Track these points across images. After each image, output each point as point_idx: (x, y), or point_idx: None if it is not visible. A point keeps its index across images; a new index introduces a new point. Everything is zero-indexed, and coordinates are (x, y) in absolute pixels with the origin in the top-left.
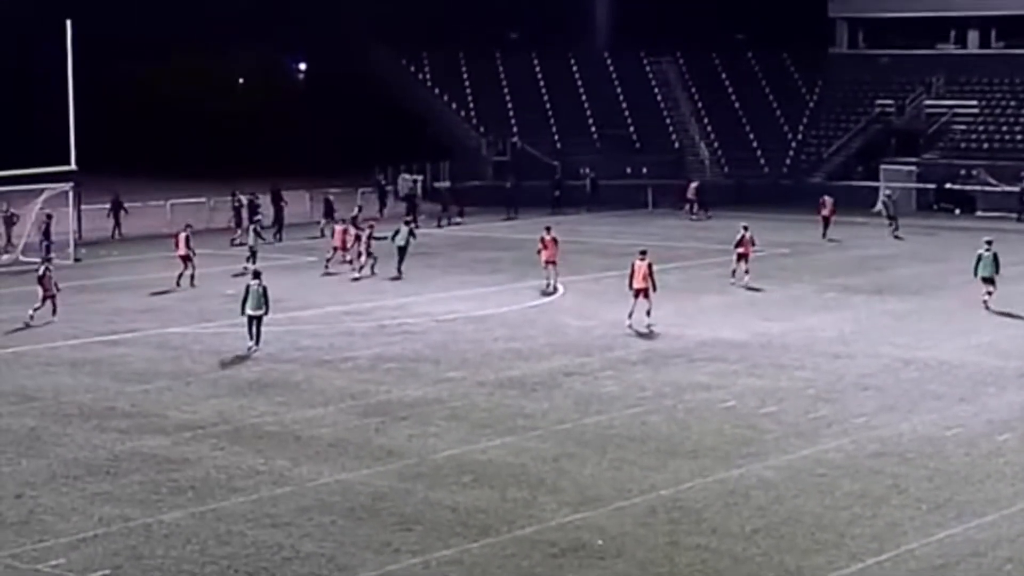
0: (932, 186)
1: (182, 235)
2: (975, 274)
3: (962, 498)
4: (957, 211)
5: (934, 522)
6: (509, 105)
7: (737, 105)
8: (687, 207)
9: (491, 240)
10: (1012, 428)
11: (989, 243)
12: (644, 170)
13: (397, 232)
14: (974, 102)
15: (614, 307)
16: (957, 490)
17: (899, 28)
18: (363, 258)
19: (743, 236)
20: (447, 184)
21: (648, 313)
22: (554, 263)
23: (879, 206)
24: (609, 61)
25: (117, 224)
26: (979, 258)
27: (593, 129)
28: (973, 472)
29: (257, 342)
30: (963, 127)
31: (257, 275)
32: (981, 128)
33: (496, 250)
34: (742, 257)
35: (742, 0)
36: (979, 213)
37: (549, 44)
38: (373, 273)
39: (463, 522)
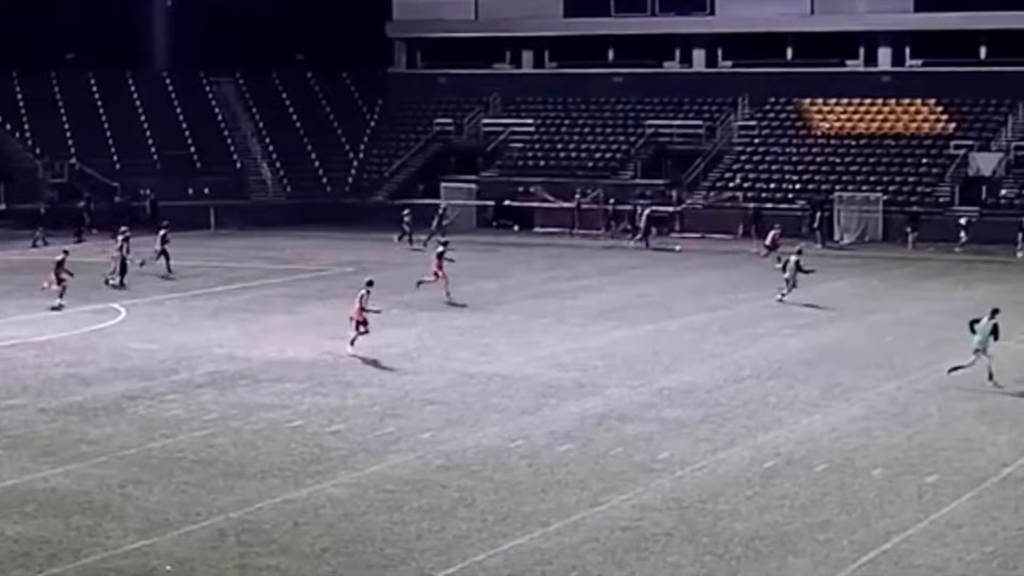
0: (491, 203)
1: None
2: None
3: (527, 509)
4: (516, 228)
5: (500, 533)
6: (66, 126)
7: (299, 125)
8: (406, 237)
9: (49, 264)
10: (572, 438)
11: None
12: (206, 190)
13: None
14: (530, 121)
15: (177, 330)
16: (522, 501)
17: (456, 48)
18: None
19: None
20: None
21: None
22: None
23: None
24: (168, 81)
25: None
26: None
27: (153, 150)
28: (537, 483)
29: None
30: (520, 145)
31: None
32: (537, 146)
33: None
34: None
35: (301, 21)
36: (537, 229)
37: (106, 64)
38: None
39: (26, 553)
